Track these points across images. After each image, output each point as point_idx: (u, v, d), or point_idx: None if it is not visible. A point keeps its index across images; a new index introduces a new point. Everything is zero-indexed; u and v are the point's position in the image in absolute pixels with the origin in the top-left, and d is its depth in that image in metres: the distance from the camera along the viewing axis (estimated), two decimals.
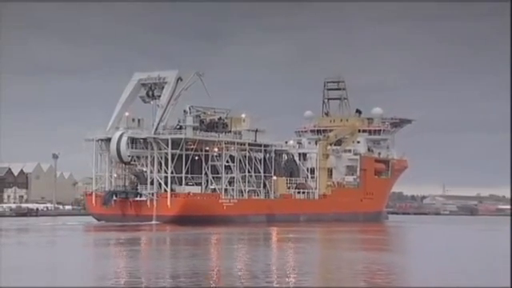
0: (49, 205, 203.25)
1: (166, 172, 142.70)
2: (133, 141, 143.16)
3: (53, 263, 61.89)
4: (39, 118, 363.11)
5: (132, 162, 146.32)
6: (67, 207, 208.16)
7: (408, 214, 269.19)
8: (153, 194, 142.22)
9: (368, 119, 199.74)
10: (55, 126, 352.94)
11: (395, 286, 45.67)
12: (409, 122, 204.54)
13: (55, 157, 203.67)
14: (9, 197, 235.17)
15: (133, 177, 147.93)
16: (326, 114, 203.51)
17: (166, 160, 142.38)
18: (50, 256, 71.09)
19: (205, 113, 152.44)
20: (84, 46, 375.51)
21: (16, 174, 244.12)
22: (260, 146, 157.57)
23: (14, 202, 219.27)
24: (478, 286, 43.97)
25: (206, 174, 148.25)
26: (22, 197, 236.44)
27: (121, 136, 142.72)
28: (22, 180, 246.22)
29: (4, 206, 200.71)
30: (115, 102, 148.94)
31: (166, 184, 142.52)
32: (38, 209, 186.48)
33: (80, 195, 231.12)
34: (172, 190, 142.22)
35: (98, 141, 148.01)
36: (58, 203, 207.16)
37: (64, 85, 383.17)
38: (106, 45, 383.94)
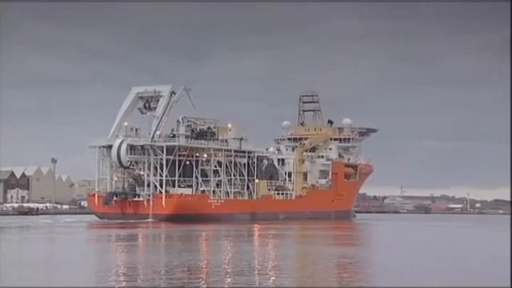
0: (48, 204, 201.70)
1: (161, 175, 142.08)
2: (131, 147, 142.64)
3: (63, 257, 61.10)
4: (39, 126, 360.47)
5: (131, 167, 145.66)
6: (65, 206, 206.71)
7: (371, 212, 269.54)
8: (149, 195, 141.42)
9: (339, 129, 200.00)
10: (54, 134, 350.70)
11: (376, 286, 44.78)
12: (374, 131, 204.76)
13: (54, 161, 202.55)
14: (12, 197, 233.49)
15: (131, 180, 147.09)
16: (302, 124, 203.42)
17: (161, 165, 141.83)
18: (61, 250, 70.28)
19: (195, 123, 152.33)
20: (82, 61, 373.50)
21: (18, 176, 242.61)
22: (244, 152, 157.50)
23: (17, 202, 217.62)
24: (478, 286, 43.16)
25: (196, 177, 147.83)
26: (23, 197, 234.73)
27: (121, 143, 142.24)
28: (24, 182, 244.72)
29: (7, 205, 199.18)
30: (107, 112, 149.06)
31: (161, 186, 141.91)
32: (38, 208, 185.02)
33: (76, 195, 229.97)
34: (166, 191, 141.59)
35: (100, 147, 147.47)
36: (57, 203, 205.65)
37: (61, 96, 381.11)
38: (101, 60, 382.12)
